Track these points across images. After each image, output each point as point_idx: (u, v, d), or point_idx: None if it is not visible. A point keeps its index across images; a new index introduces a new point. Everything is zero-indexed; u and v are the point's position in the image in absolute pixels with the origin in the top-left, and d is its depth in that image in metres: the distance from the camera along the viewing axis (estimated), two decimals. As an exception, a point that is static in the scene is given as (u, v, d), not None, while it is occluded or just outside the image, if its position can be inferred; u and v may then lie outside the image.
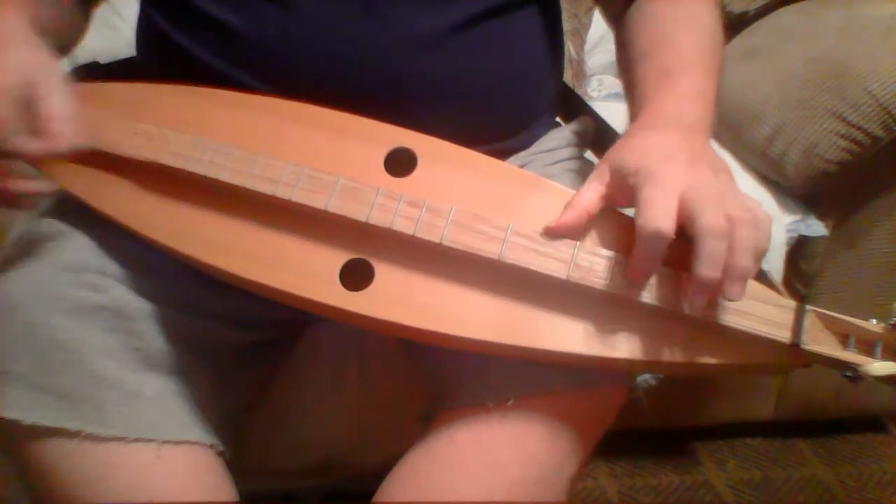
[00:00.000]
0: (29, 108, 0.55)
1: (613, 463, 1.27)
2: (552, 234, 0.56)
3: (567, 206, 0.56)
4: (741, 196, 0.53)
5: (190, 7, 0.65)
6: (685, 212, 0.51)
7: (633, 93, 0.65)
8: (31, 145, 0.55)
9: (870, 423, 1.41)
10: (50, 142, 0.55)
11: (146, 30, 0.71)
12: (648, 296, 0.54)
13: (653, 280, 0.54)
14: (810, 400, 1.29)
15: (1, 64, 0.56)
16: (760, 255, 0.52)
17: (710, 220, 0.50)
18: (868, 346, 0.54)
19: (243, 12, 0.64)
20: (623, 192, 0.55)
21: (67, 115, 0.56)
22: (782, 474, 1.30)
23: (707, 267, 0.50)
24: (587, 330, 0.55)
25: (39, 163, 0.60)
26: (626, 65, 0.69)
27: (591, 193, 0.56)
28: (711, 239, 0.50)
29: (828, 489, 1.27)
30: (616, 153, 0.57)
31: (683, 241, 0.52)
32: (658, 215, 0.51)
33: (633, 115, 0.63)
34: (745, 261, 0.50)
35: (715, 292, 0.51)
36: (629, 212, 0.57)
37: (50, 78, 0.57)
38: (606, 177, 0.56)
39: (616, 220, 0.58)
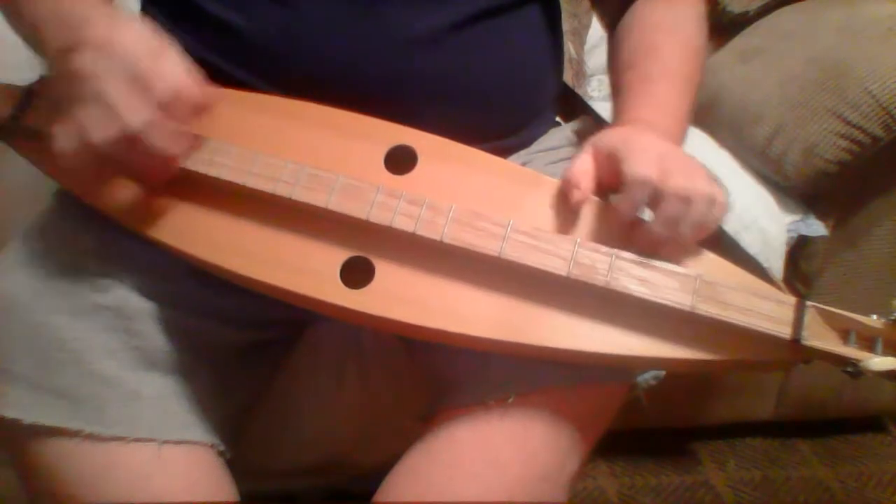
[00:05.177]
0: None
1: (613, 463, 1.27)
2: (574, 203, 0.58)
3: (567, 182, 0.58)
4: (709, 179, 0.57)
5: (190, 5, 0.65)
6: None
7: (617, 98, 0.71)
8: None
9: (870, 423, 1.41)
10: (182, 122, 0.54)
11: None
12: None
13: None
14: (810, 400, 1.29)
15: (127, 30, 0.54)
16: (704, 229, 0.56)
17: (676, 184, 0.54)
18: (869, 341, 0.53)
19: (243, 11, 0.64)
20: (607, 165, 0.58)
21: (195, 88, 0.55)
22: (782, 474, 1.30)
23: (661, 226, 0.55)
24: (588, 327, 0.55)
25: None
26: (615, 70, 0.75)
27: (585, 162, 0.59)
28: (673, 202, 0.54)
29: (828, 489, 1.27)
30: (599, 136, 0.61)
31: None
32: (643, 165, 0.55)
33: (616, 116, 0.68)
34: (688, 230, 0.55)
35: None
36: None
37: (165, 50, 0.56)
38: (591, 150, 0.59)
39: (616, 218, 0.58)
